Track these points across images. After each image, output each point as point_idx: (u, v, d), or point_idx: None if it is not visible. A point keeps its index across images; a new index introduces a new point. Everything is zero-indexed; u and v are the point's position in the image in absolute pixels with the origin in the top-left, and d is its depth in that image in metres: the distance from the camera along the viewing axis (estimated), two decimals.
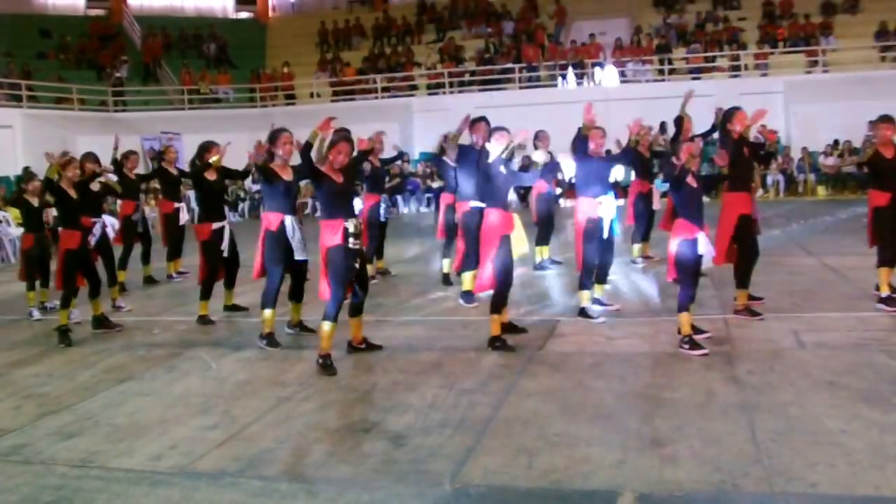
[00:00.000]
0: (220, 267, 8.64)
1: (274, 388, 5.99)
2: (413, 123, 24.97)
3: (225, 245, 8.56)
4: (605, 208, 7.57)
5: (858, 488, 3.87)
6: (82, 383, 6.44)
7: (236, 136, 24.72)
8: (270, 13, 34.49)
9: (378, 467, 4.41)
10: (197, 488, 4.27)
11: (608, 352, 6.57)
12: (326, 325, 6.42)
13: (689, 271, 6.48)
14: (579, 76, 24.87)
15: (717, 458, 4.27)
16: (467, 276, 8.49)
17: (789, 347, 6.45)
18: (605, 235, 7.63)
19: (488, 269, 6.77)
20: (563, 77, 25.11)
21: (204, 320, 8.50)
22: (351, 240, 6.34)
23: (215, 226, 8.52)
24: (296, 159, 7.00)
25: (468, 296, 8.54)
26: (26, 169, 16.27)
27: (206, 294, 8.56)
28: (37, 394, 6.20)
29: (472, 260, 8.06)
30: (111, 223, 18.92)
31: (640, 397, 5.37)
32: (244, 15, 34.52)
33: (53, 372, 6.84)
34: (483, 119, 8.41)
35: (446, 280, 9.88)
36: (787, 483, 3.94)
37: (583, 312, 7.73)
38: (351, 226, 6.34)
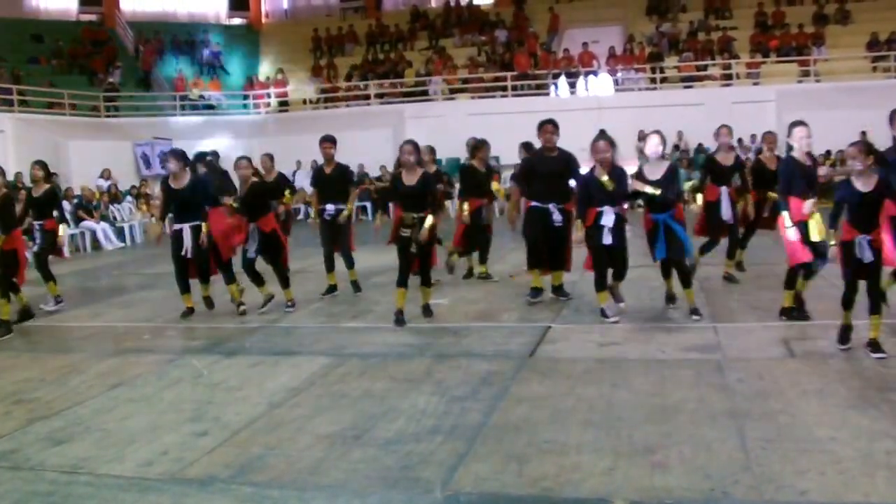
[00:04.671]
0: (183, 264, 9.00)
1: (265, 395, 5.98)
2: (406, 130, 25.00)
3: (186, 246, 8.82)
4: (605, 219, 7.69)
5: (848, 496, 3.88)
6: (73, 388, 6.41)
7: (228, 143, 24.98)
8: (264, 19, 34.55)
9: (369, 474, 4.41)
10: (187, 495, 4.25)
11: (599, 358, 6.59)
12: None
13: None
14: (572, 85, 24.94)
15: (707, 465, 4.28)
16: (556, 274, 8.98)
17: (779, 355, 6.47)
18: (608, 243, 7.72)
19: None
20: (556, 85, 25.20)
21: (183, 313, 9.09)
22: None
23: (175, 226, 8.94)
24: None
25: (560, 290, 9.03)
26: (16, 176, 16.32)
27: (180, 288, 9.15)
28: (27, 399, 6.17)
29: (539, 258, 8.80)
30: (103, 228, 18.94)
31: (630, 404, 5.38)
32: (237, 21, 34.55)
33: (44, 377, 6.82)
34: (551, 122, 8.66)
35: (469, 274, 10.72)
36: (776, 491, 3.95)
37: (602, 313, 7.89)
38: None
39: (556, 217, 8.46)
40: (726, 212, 9.34)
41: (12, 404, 6.06)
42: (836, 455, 4.33)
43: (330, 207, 9.87)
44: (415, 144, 8.31)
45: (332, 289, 10.03)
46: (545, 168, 8.56)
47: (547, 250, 8.67)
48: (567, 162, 8.60)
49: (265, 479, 4.40)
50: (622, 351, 6.82)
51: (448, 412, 5.37)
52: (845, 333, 6.50)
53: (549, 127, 8.59)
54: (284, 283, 9.33)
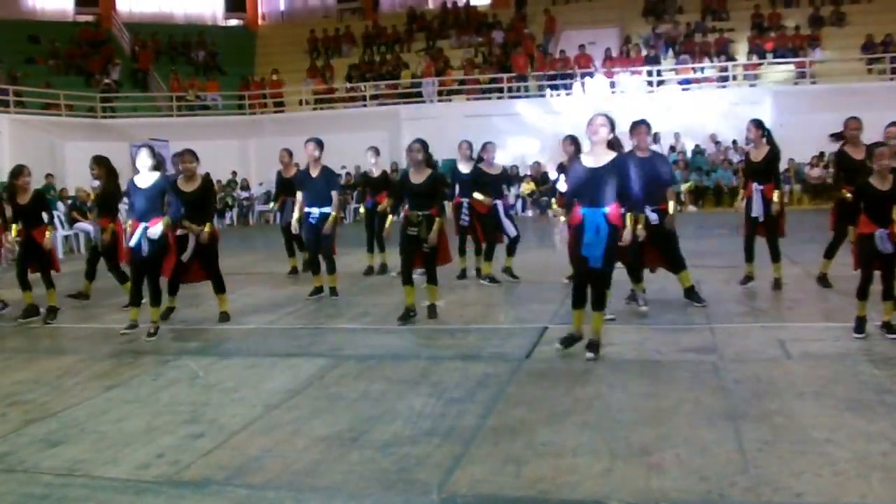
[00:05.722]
0: (179, 267, 8.77)
1: (261, 396, 5.97)
2: (401, 132, 25.00)
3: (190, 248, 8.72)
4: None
5: (844, 498, 3.88)
6: (68, 390, 6.39)
7: (225, 144, 24.97)
8: (260, 20, 34.56)
9: (366, 476, 4.40)
10: (183, 497, 4.24)
11: (595, 359, 6.57)
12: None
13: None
14: (568, 87, 24.96)
15: (703, 467, 4.28)
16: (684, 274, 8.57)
17: (775, 357, 6.48)
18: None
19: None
20: (552, 87, 25.23)
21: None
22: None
23: (179, 233, 8.61)
24: None
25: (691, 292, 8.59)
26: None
27: (170, 290, 8.94)
28: (22, 401, 6.15)
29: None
30: (86, 230, 18.94)
31: (627, 406, 5.38)
32: (234, 22, 34.56)
33: (39, 379, 6.80)
34: (644, 122, 8.35)
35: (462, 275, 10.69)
36: (773, 493, 3.95)
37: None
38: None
39: (653, 217, 8.10)
40: (756, 208, 9.11)
41: (7, 406, 6.04)
42: (833, 457, 4.34)
43: (314, 211, 9.75)
44: (423, 143, 8.27)
45: (317, 291, 9.94)
46: (639, 171, 8.17)
47: (657, 254, 8.40)
48: (661, 162, 8.26)
49: (261, 481, 4.39)
50: (619, 352, 6.81)
51: (445, 414, 5.36)
52: (860, 324, 6.85)
53: (642, 128, 8.25)
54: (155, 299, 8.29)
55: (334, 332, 8.17)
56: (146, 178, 8.13)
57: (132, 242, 8.05)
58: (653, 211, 8.15)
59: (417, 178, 8.26)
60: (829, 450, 4.44)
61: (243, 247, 17.39)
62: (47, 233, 9.18)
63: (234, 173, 24.76)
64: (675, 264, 8.53)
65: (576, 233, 6.69)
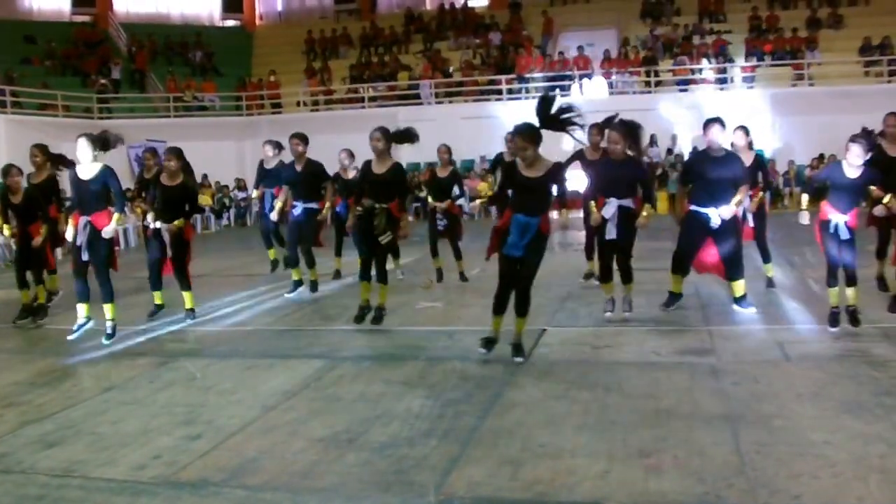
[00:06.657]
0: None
1: (258, 398, 5.96)
2: None
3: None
4: (606, 210, 7.62)
5: (842, 500, 3.88)
6: (65, 391, 6.38)
7: (222, 145, 24.93)
8: (257, 21, 34.50)
9: (363, 477, 4.40)
10: (180, 498, 4.23)
11: (593, 361, 6.58)
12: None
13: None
14: (565, 88, 24.97)
15: (701, 469, 4.28)
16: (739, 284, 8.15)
17: (774, 359, 6.48)
18: (612, 237, 7.68)
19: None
20: (550, 89, 25.24)
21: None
22: None
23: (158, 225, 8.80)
24: None
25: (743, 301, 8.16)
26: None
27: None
28: (18, 402, 6.14)
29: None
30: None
31: (624, 407, 5.38)
32: (231, 23, 34.49)
33: (36, 380, 6.79)
34: (718, 120, 7.97)
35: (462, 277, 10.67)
36: (770, 495, 3.95)
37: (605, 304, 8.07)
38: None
39: (715, 222, 7.77)
40: (746, 214, 8.97)
41: (3, 407, 6.03)
42: (830, 459, 4.34)
43: (299, 207, 9.77)
44: (383, 131, 7.93)
45: (297, 284, 9.99)
46: (711, 170, 7.83)
47: (715, 258, 8.03)
48: (733, 162, 7.94)
49: (258, 483, 4.39)
50: (617, 354, 6.82)
51: (442, 416, 5.36)
52: (834, 317, 7.08)
53: (715, 126, 7.89)
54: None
55: (332, 333, 8.16)
56: (88, 168, 7.86)
57: (71, 236, 7.84)
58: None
59: (380, 167, 7.89)
60: (826, 452, 4.44)
61: (241, 247, 17.37)
62: (42, 230, 9.16)
63: (236, 180, 24.85)
64: (733, 271, 8.01)
65: (501, 235, 6.59)
